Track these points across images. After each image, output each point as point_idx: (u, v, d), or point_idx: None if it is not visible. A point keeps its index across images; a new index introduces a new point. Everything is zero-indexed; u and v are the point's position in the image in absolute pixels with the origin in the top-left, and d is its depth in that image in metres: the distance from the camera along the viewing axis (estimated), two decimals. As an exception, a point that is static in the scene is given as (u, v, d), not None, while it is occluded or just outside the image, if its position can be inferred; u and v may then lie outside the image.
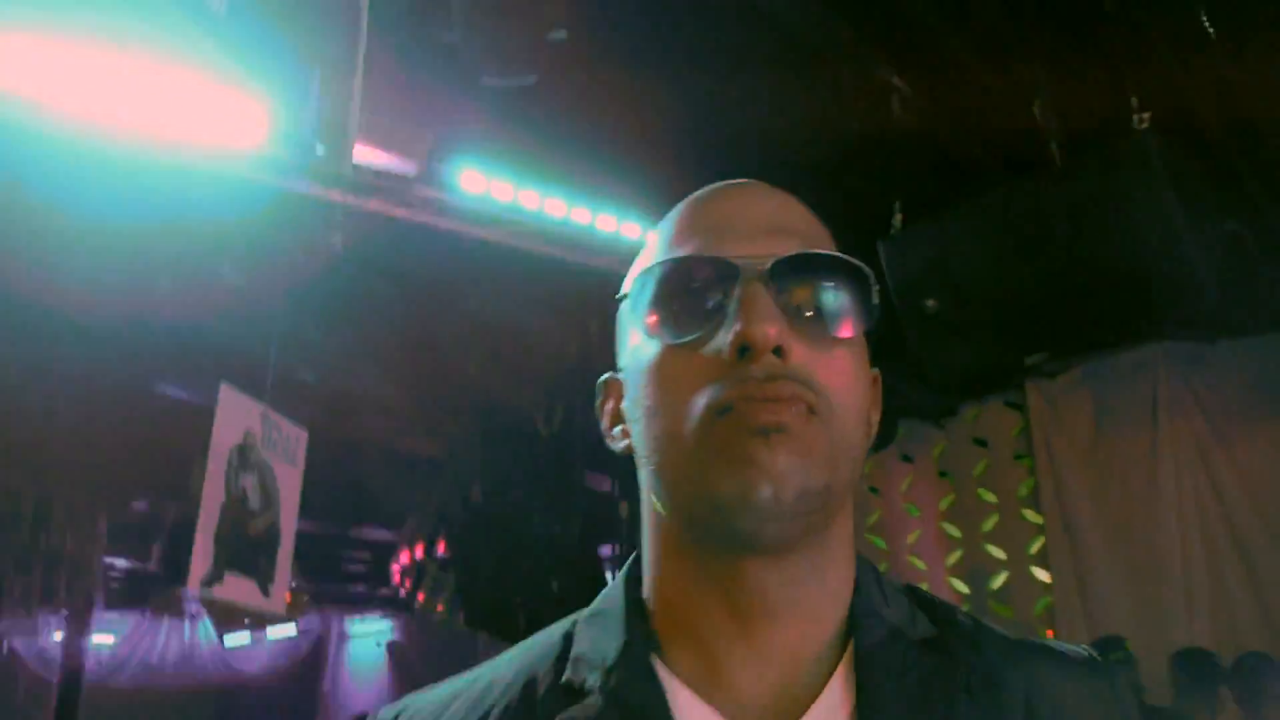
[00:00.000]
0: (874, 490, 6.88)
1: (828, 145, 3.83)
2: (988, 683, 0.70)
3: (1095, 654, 0.80)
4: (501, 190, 3.61)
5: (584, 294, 4.34)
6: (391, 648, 11.39)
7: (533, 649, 0.79)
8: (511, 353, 4.83)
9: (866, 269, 0.73)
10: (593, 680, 0.70)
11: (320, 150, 2.50)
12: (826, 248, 0.75)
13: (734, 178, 0.83)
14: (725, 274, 0.70)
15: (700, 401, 0.68)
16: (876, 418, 0.79)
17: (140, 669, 10.69)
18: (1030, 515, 6.10)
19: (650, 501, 0.76)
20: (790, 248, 0.72)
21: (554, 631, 0.79)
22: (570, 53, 3.13)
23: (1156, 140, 3.32)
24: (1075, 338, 4.73)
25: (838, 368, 0.71)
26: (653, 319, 0.73)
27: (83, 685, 8.80)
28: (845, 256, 0.73)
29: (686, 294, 0.71)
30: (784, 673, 0.70)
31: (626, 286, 0.78)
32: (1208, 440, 5.34)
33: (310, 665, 11.70)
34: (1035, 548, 6.04)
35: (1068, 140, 3.60)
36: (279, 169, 2.72)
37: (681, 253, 0.74)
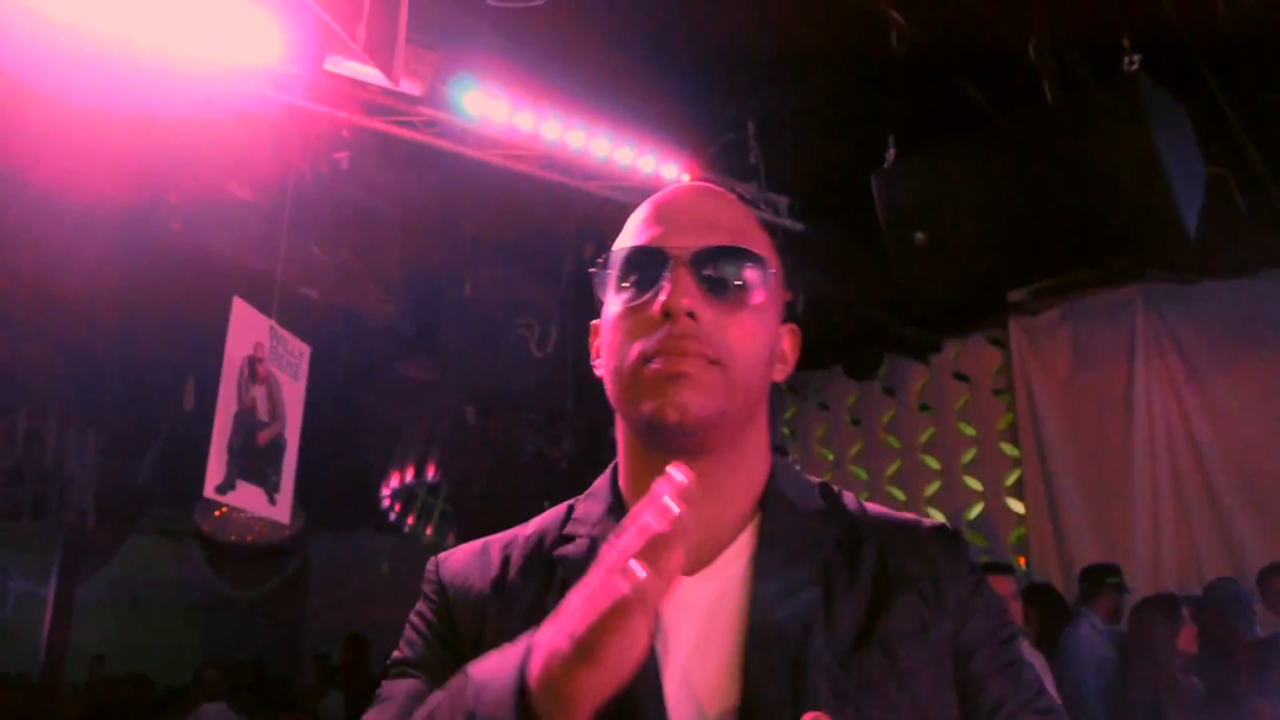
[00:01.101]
0: (856, 423, 7.03)
1: (824, 77, 3.88)
2: (852, 538, 1.03)
3: (947, 524, 1.09)
4: (503, 113, 3.65)
5: (579, 218, 4.40)
6: (380, 569, 11.57)
7: (547, 517, 1.12)
8: (507, 275, 4.90)
9: (763, 257, 1.02)
10: (583, 531, 1.05)
11: (362, 71, 2.52)
12: (749, 238, 1.03)
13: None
14: (662, 259, 0.99)
15: (634, 348, 0.98)
16: (793, 359, 1.10)
17: (132, 584, 10.87)
18: (1008, 449, 6.27)
19: (618, 416, 1.06)
20: (713, 240, 1.00)
21: (562, 507, 1.12)
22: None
23: (1146, 82, 3.38)
24: (1058, 274, 4.84)
25: (740, 329, 0.99)
26: (616, 286, 1.02)
27: (75, 601, 8.95)
28: (747, 249, 1.01)
29: (638, 271, 1.01)
30: (709, 530, 1.01)
31: (604, 258, 1.07)
32: (1181, 379, 5.49)
33: (298, 584, 11.91)
34: (1011, 480, 6.22)
35: (1060, 79, 3.66)
36: (289, 86, 2.75)
37: (639, 241, 1.02)
